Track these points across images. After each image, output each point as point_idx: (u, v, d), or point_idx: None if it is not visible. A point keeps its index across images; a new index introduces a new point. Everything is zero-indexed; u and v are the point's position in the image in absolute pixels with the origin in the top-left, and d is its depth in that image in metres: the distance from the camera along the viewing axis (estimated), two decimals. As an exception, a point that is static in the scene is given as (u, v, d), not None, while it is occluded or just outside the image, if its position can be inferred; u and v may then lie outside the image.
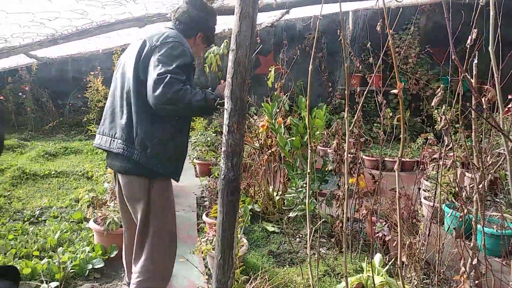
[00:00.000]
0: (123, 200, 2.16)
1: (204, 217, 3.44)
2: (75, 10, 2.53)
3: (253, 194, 3.92)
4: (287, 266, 2.98)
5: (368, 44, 3.79)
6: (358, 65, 6.78)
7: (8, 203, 3.86)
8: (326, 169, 3.47)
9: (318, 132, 3.41)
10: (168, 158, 2.00)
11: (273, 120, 3.42)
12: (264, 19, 5.98)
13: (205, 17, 2.20)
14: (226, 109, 1.52)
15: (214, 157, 5.19)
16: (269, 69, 3.79)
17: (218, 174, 4.29)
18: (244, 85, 1.48)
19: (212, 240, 2.87)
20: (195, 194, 4.39)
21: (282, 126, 3.46)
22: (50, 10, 2.32)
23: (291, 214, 3.42)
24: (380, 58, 1.85)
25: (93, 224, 2.99)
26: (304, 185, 3.48)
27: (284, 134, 3.48)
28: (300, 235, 3.61)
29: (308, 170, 2.02)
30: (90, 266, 2.76)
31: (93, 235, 3.08)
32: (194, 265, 2.69)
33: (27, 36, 3.13)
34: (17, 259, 2.78)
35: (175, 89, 1.79)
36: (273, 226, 3.66)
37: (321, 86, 7.98)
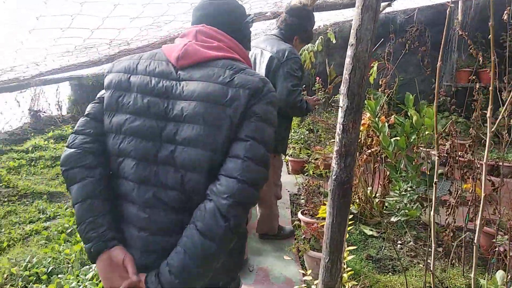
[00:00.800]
0: None
1: (299, 215, 3.41)
2: (187, 12, 2.69)
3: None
4: (390, 273, 2.82)
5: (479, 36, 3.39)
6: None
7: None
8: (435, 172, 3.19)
9: (427, 133, 3.16)
10: (282, 141, 2.81)
11: (376, 119, 3.25)
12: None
13: (300, 23, 2.67)
14: (341, 107, 1.46)
15: (307, 155, 5.16)
16: (372, 64, 3.62)
17: (312, 172, 4.25)
18: (362, 82, 1.41)
19: (310, 239, 2.84)
20: (289, 191, 4.40)
21: (386, 125, 3.27)
22: (167, 14, 2.50)
23: (393, 219, 3.22)
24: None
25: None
26: (409, 188, 3.26)
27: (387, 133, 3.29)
28: (402, 242, 3.39)
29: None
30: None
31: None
32: (295, 262, 2.68)
33: (144, 39, 3.42)
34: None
35: (300, 98, 2.53)
36: (371, 230, 3.50)
37: (424, 83, 7.42)
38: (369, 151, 3.61)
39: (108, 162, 1.15)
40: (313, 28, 2.76)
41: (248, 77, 1.08)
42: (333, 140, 4.22)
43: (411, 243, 3.36)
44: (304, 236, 2.88)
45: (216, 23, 1.20)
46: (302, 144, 5.31)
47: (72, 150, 1.13)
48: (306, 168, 4.31)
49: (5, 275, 2.41)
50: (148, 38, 3.54)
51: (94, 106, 1.19)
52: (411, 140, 3.24)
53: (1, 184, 4.14)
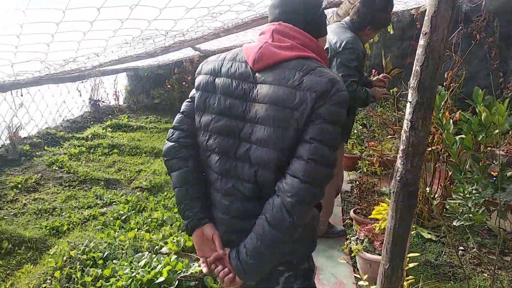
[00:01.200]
0: None
1: (352, 214, 3.28)
2: (243, 2, 2.63)
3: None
4: (450, 282, 2.62)
5: None
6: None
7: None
8: (505, 175, 2.92)
9: (496, 131, 2.88)
10: (346, 130, 2.88)
11: (440, 115, 3.02)
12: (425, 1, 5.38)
13: (372, 14, 2.59)
14: (410, 102, 1.33)
15: (360, 151, 4.96)
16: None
17: (366, 170, 4.06)
18: (436, 74, 1.27)
19: (363, 240, 2.71)
20: (340, 188, 4.25)
21: (451, 121, 3.03)
22: (222, 4, 2.46)
23: (456, 223, 2.99)
24: None
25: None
26: (474, 191, 3.01)
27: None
28: (464, 248, 3.15)
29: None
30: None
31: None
32: (346, 263, 2.57)
33: (199, 30, 3.42)
34: (180, 231, 3.10)
35: (353, 89, 2.49)
36: (429, 233, 3.29)
37: (488, 77, 6.86)
38: (430, 149, 3.38)
39: (199, 154, 1.32)
40: (390, 12, 2.67)
41: (317, 78, 1.11)
42: (389, 136, 4.02)
43: (475, 249, 3.12)
44: (357, 236, 2.75)
45: (292, 20, 1.24)
46: (355, 139, 5.11)
47: (171, 143, 1.33)
48: (359, 164, 4.14)
49: (64, 258, 2.53)
50: (202, 29, 3.54)
51: (187, 104, 1.36)
52: (479, 139, 2.97)
53: (63, 169, 4.38)
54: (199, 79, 1.32)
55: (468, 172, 3.10)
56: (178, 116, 1.37)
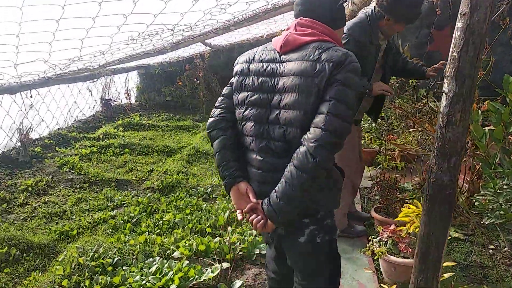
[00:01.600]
0: None
1: (373, 213, 3.10)
2: (252, -9, 2.47)
3: (430, 191, 3.39)
4: (483, 284, 2.43)
5: None
6: None
7: (186, 179, 4.24)
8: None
9: (529, 122, 2.65)
10: None
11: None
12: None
13: (393, 5, 2.42)
14: (446, 93, 1.16)
15: (379, 145, 4.76)
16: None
17: (387, 165, 3.87)
18: (477, 61, 1.10)
19: (387, 242, 2.54)
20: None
21: (479, 112, 2.82)
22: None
23: (486, 221, 2.79)
24: None
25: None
26: (505, 186, 2.80)
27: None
28: (495, 246, 2.95)
29: None
30: (257, 251, 2.76)
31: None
32: (368, 266, 2.40)
33: (208, 24, 3.27)
34: (193, 234, 2.97)
35: None
36: (456, 231, 3.09)
37: (513, 64, 6.54)
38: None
39: (236, 125, 1.58)
40: (416, 8, 2.46)
41: (333, 52, 1.34)
42: (411, 129, 3.81)
43: (507, 248, 2.91)
44: (379, 237, 2.58)
45: (312, 15, 1.47)
46: (373, 132, 4.90)
47: (212, 119, 1.60)
48: (378, 159, 3.94)
49: (73, 265, 2.43)
50: (211, 23, 3.39)
51: (227, 88, 1.63)
52: (510, 130, 2.75)
53: (74, 171, 4.30)
54: (236, 67, 1.59)
55: (498, 166, 2.89)
56: (220, 98, 1.64)
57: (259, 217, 1.44)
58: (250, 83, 1.51)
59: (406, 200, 3.30)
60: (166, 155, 5.12)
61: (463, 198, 3.27)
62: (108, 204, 3.58)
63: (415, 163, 3.40)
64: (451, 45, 1.13)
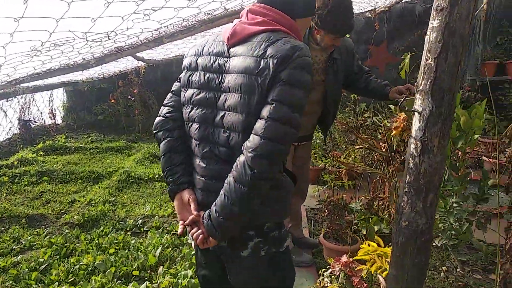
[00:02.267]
0: None
1: (321, 239, 2.82)
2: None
3: (377, 210, 3.22)
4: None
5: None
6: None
7: (113, 210, 3.71)
8: (487, 184, 2.61)
9: (476, 136, 2.56)
10: None
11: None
12: (380, 1, 5.16)
13: (322, 15, 2.20)
14: (419, 112, 0.89)
15: (323, 162, 4.59)
16: (402, 57, 3.04)
17: (333, 184, 3.65)
18: (458, 70, 0.84)
19: (339, 276, 2.26)
20: (305, 206, 3.80)
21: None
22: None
23: (438, 242, 2.63)
24: None
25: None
26: (454, 204, 2.67)
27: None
28: (446, 268, 2.80)
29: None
30: (193, 297, 2.35)
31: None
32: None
33: (132, 34, 2.86)
34: (115, 279, 2.50)
35: None
36: (408, 254, 2.91)
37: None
38: (402, 158, 3.02)
39: (184, 126, 1.44)
40: (350, 20, 2.23)
41: (280, 46, 1.19)
42: (358, 147, 3.63)
43: (459, 270, 2.78)
44: (330, 270, 2.30)
45: (268, 0, 1.31)
46: (317, 148, 4.73)
47: (159, 118, 1.48)
48: (323, 176, 3.72)
49: None
50: (136, 33, 2.99)
51: (176, 84, 1.51)
52: (458, 145, 2.64)
53: (-26, 207, 3.60)
54: (185, 61, 1.45)
55: (447, 184, 2.76)
56: (169, 95, 1.52)
57: (199, 231, 1.31)
58: (197, 79, 1.37)
59: (354, 222, 3.09)
60: (92, 182, 4.52)
61: (413, 218, 3.13)
62: (14, 247, 2.97)
63: (361, 180, 3.22)
64: (424, 51, 0.87)
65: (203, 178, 1.35)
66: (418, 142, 0.89)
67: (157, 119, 1.48)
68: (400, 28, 6.60)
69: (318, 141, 4.62)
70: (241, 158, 1.19)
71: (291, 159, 2.70)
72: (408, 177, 0.93)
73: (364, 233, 2.84)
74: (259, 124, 1.17)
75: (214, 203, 1.26)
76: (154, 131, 1.48)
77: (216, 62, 1.32)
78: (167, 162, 1.41)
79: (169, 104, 1.49)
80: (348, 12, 2.23)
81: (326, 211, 2.86)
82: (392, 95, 2.62)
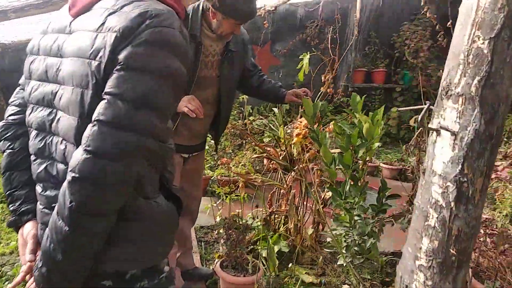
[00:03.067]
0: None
1: (218, 270, 2.34)
2: None
3: (276, 226, 2.93)
4: None
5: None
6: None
7: None
8: (386, 194, 2.52)
9: (377, 144, 2.44)
10: None
11: (316, 127, 2.44)
12: (267, 1, 4.98)
13: None
14: (453, 132, 0.50)
15: (211, 170, 4.18)
16: (300, 56, 2.81)
17: (230, 199, 3.23)
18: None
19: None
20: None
21: (327, 135, 2.48)
22: None
23: (342, 261, 2.44)
24: None
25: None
26: (357, 217, 2.52)
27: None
28: (348, 285, 2.64)
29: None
30: None
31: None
32: None
33: None
34: None
35: None
36: (308, 273, 2.67)
37: (323, 83, 7.05)
38: (301, 166, 2.78)
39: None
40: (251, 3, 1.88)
41: (124, 14, 0.84)
42: (255, 156, 3.28)
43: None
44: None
45: None
46: (206, 156, 4.28)
47: (1, 123, 1.14)
48: (217, 190, 3.29)
49: None
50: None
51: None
52: (359, 155, 2.49)
53: None
54: (30, 43, 1.08)
55: (348, 195, 2.60)
56: (16, 89, 1.16)
57: (33, 285, 0.92)
58: (36, 67, 1.02)
59: (252, 241, 2.75)
60: None
61: (311, 232, 2.91)
62: None
63: (256, 190, 2.89)
64: (458, 27, 0.48)
65: (41, 207, 0.99)
66: (449, 183, 0.51)
67: None
68: (283, 31, 6.58)
69: (207, 147, 4.18)
70: (65, 182, 0.84)
71: (178, 175, 2.18)
72: (427, 241, 0.55)
73: (264, 255, 2.50)
74: (86, 132, 0.82)
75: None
76: None
77: (55, 43, 0.98)
78: (7, 184, 1.07)
79: (15, 102, 1.14)
80: None
81: (225, 236, 2.42)
82: (289, 98, 2.39)
